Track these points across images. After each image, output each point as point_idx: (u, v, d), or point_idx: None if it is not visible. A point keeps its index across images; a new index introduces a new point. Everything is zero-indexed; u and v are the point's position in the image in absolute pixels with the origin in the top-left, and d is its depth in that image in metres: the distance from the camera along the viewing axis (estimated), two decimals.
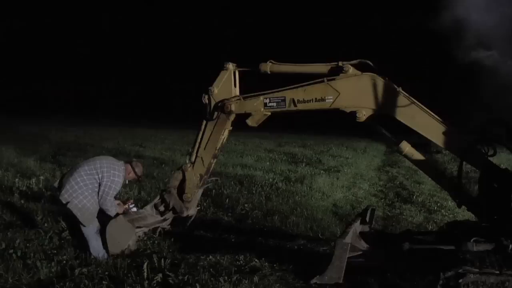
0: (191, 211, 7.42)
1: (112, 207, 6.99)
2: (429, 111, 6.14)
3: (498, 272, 5.19)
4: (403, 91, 6.15)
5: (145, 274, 6.13)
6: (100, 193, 6.86)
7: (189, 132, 7.08)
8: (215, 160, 7.28)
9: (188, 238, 7.75)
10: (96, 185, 6.86)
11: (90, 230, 6.90)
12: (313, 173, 14.43)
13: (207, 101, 6.94)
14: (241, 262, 6.78)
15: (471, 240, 5.66)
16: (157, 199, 7.40)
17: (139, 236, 7.43)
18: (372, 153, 20.56)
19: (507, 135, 6.00)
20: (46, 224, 8.01)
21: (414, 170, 15.04)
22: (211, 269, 6.43)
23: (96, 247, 6.88)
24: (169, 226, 7.64)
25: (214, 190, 10.81)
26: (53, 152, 17.70)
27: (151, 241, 7.48)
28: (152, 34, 46.84)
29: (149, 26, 47.25)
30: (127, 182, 7.43)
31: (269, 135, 24.18)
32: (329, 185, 12.66)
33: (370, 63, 6.36)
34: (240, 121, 6.96)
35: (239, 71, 7.06)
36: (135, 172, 7.18)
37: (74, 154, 17.22)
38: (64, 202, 6.79)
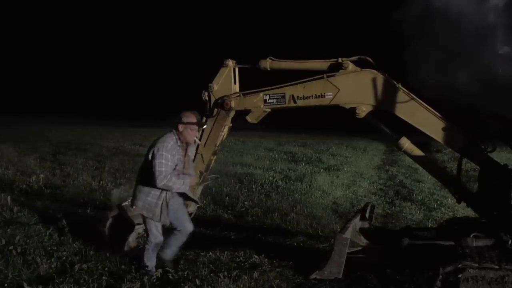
0: (191, 208, 7.40)
1: (175, 184, 6.02)
2: (428, 107, 6.15)
3: (497, 267, 5.20)
4: (402, 87, 6.15)
5: (146, 270, 6.14)
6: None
7: None
8: (215, 157, 7.27)
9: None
10: None
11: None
12: (313, 171, 14.45)
13: (207, 98, 6.95)
14: (241, 258, 6.80)
15: (471, 236, 5.67)
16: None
17: (139, 233, 7.43)
18: (372, 152, 20.57)
19: (507, 132, 6.01)
20: (46, 221, 8.02)
21: (414, 169, 15.06)
22: (210, 265, 6.45)
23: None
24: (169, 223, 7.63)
25: (214, 188, 10.82)
26: (53, 151, 17.73)
27: None
28: (152, 32, 46.80)
29: (148, 24, 47.21)
30: (195, 142, 6.40)
31: (269, 134, 24.21)
32: (329, 183, 12.67)
33: (370, 60, 6.37)
34: (240, 121, 6.97)
35: (239, 68, 7.07)
36: (186, 123, 6.11)
37: (73, 153, 17.26)
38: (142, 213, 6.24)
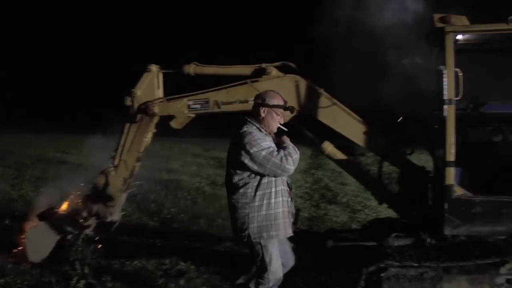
0: (115, 216, 7.24)
1: (294, 153, 4.83)
2: (350, 112, 6.28)
3: (417, 264, 5.37)
4: (325, 93, 6.26)
5: (68, 282, 5.96)
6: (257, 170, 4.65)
7: (115, 137, 6.99)
8: (139, 163, 7.15)
9: (112, 243, 7.59)
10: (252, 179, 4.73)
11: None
12: None
13: (130, 103, 6.82)
14: (167, 266, 6.74)
15: (392, 236, 5.85)
16: (79, 205, 7.20)
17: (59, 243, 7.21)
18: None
19: (424, 135, 6.24)
20: None
21: (338, 172, 15.37)
22: (136, 274, 6.34)
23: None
24: (93, 232, 7.44)
25: (139, 195, 10.64)
26: None
27: (73, 248, 7.27)
28: (76, 35, 45.64)
29: (72, 26, 46.06)
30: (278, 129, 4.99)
31: (196, 140, 24.08)
32: None
33: (293, 65, 6.44)
34: (168, 127, 6.87)
35: (163, 73, 6.99)
36: (272, 106, 4.85)
37: None
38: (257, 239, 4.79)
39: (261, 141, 4.61)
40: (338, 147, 6.63)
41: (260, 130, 4.76)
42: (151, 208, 9.99)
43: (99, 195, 7.00)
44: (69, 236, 7.32)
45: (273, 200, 4.72)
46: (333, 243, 6.14)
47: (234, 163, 4.72)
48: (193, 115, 6.68)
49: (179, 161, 17.51)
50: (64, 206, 7.33)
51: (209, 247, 7.80)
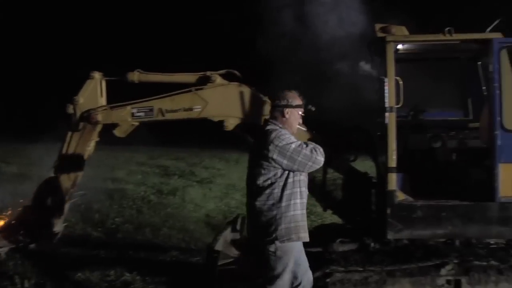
0: (58, 227, 7.08)
1: (317, 147, 4.58)
2: None
3: (361, 269, 5.48)
4: (269, 100, 6.28)
5: None
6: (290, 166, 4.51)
7: (57, 145, 6.83)
8: (82, 172, 7.02)
9: (54, 256, 7.40)
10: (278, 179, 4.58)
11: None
12: (185, 185, 14.38)
13: (72, 111, 6.69)
14: (112, 277, 6.63)
15: (337, 241, 5.94)
16: (20, 216, 7.00)
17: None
18: (244, 164, 20.55)
19: (367, 142, 6.38)
20: None
21: None
22: (80, 287, 6.21)
23: None
24: (33, 244, 7.23)
25: (83, 205, 10.42)
26: None
27: (12, 262, 7.04)
28: (15, 39, 44.41)
29: (13, 30, 44.82)
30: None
31: (141, 148, 23.76)
32: (202, 196, 12.70)
33: (237, 73, 6.46)
34: (112, 135, 6.76)
35: (106, 81, 6.88)
36: (295, 107, 4.75)
37: None
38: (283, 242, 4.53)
39: (289, 135, 4.56)
40: None
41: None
42: (95, 218, 9.79)
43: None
44: (7, 249, 7.08)
45: (298, 201, 4.59)
46: None
47: (259, 164, 4.63)
48: (137, 123, 6.61)
49: (124, 170, 17.20)
50: (3, 218, 7.11)
51: (154, 257, 7.71)
